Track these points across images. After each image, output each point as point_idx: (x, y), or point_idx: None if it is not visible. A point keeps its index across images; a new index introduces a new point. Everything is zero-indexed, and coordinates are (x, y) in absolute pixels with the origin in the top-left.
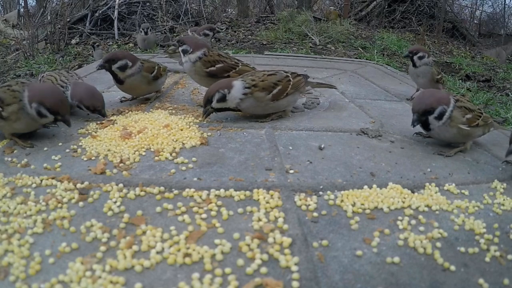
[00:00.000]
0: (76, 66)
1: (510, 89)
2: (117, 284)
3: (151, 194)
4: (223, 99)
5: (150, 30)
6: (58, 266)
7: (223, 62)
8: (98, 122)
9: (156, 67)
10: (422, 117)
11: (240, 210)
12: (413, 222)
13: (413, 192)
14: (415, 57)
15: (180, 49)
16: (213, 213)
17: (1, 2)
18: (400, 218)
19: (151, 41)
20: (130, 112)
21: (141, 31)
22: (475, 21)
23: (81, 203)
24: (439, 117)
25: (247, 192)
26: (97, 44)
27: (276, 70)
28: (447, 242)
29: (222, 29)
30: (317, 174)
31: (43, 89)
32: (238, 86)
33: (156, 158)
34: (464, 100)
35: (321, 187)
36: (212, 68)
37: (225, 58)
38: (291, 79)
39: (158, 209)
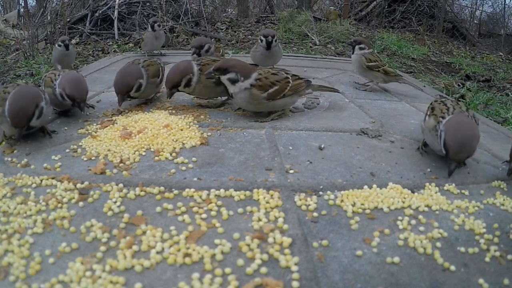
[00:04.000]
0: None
1: (510, 89)
2: (117, 284)
3: (151, 194)
4: (235, 81)
5: (159, 25)
6: (58, 266)
7: None
8: (98, 122)
9: (160, 69)
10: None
11: (240, 210)
12: (413, 222)
13: (413, 192)
14: (356, 47)
15: (181, 88)
16: (213, 213)
17: (1, 2)
18: (400, 218)
19: (162, 40)
20: (130, 112)
21: (150, 27)
22: (475, 21)
23: (81, 203)
24: None
25: (247, 192)
26: None
27: (278, 69)
28: (447, 242)
29: (222, 29)
30: (317, 174)
31: (12, 93)
32: (253, 77)
33: (156, 158)
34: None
35: (321, 187)
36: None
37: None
38: (290, 81)
39: (158, 209)
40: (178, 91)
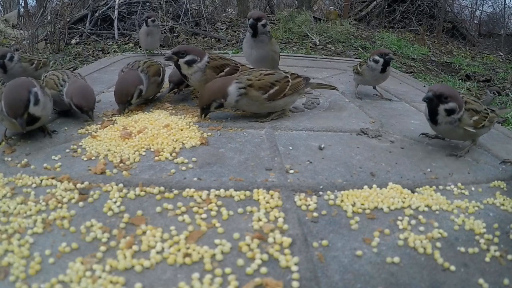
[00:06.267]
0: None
1: (510, 89)
2: (117, 284)
3: (151, 194)
4: (220, 106)
5: (154, 20)
6: (58, 266)
7: (228, 65)
8: (98, 122)
9: (161, 68)
10: (435, 100)
11: (240, 210)
12: (413, 222)
13: (413, 192)
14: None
15: (182, 61)
16: (213, 213)
17: (1, 2)
18: (400, 218)
19: (155, 37)
20: (130, 112)
21: (144, 22)
22: (475, 21)
23: (81, 203)
24: (449, 112)
25: (247, 192)
26: None
27: (275, 70)
28: (447, 242)
29: (222, 29)
30: (317, 174)
31: (5, 88)
32: (232, 91)
33: (156, 158)
34: (471, 102)
35: (321, 187)
36: (222, 74)
37: (226, 60)
38: (289, 80)
39: (158, 209)
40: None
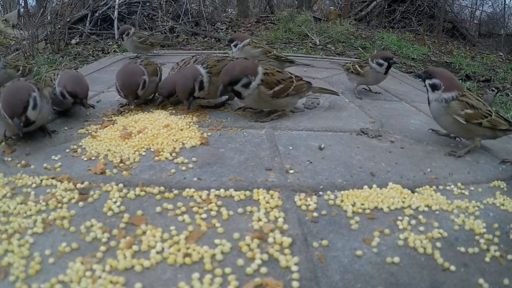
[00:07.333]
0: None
1: (510, 89)
2: (117, 284)
3: (151, 194)
4: (247, 85)
5: (128, 34)
6: (58, 266)
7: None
8: (99, 122)
9: (158, 68)
10: (423, 75)
11: (240, 210)
12: (413, 222)
13: (413, 192)
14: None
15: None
16: (213, 213)
17: (1, 2)
18: (400, 218)
19: (133, 49)
20: (130, 112)
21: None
22: (475, 21)
23: (81, 203)
24: (433, 87)
25: (247, 192)
26: None
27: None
28: (447, 242)
29: (222, 29)
30: (317, 174)
31: (3, 90)
32: (260, 73)
33: (156, 158)
34: (469, 96)
35: (321, 187)
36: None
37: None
38: (294, 80)
39: (158, 209)
40: (194, 98)
